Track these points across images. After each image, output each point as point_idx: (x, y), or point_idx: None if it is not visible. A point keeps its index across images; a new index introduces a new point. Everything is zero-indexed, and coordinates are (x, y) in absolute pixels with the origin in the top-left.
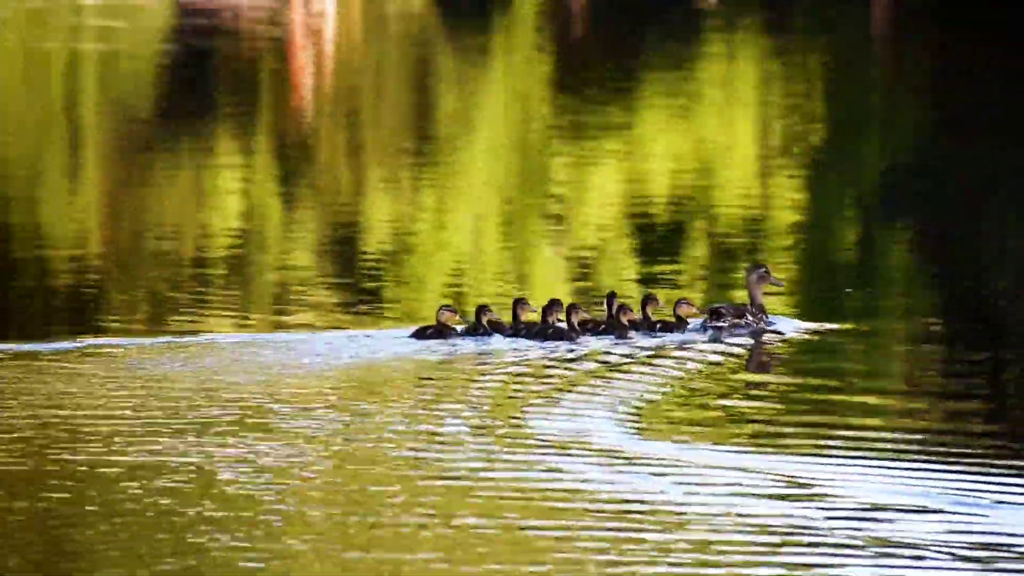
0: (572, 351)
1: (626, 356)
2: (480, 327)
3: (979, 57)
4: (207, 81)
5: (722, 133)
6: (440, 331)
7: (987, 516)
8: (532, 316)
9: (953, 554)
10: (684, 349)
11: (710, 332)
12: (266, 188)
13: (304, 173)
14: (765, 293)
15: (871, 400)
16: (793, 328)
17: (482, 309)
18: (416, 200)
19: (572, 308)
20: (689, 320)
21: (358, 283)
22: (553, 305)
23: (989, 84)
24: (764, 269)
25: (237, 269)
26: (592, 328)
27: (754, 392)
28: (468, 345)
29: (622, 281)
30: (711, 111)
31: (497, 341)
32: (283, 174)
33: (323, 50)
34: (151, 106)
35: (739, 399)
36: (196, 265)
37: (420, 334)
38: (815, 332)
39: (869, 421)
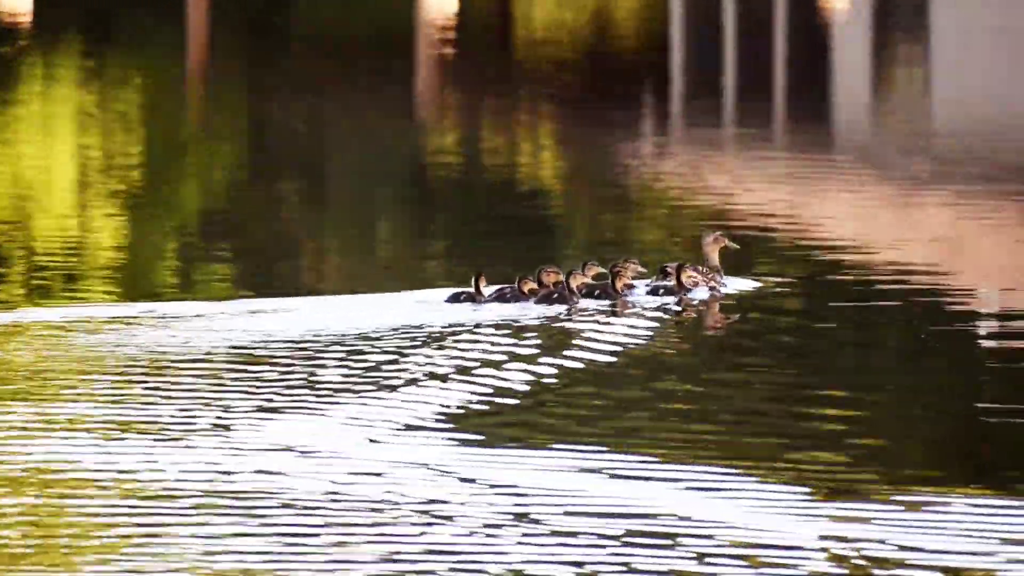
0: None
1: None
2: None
3: (286, 93)
4: None
5: (40, 158)
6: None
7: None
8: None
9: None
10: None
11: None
12: None
13: None
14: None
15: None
16: (748, 289)
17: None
18: None
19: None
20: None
21: None
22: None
23: (297, 119)
24: (719, 233)
25: None
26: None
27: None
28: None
29: None
30: (29, 135)
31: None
32: None
33: None
34: None
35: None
36: None
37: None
38: (764, 293)
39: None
